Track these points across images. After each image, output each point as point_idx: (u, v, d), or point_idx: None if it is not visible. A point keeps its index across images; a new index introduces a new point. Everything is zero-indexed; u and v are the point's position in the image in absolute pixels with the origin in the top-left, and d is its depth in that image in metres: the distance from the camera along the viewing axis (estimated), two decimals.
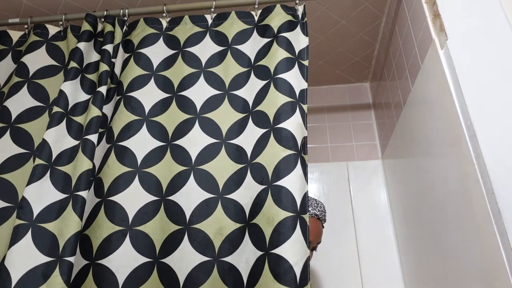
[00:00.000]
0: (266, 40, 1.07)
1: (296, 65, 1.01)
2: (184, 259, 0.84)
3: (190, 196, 0.90)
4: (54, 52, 1.17)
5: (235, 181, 0.91)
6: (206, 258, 0.83)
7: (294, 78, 0.98)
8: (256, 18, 1.14)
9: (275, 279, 0.75)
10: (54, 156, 0.96)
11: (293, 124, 0.91)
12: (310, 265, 1.00)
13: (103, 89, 1.04)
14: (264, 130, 0.93)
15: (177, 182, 0.92)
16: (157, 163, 0.96)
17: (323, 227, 1.06)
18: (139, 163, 0.96)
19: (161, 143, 0.99)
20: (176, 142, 0.98)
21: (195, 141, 0.97)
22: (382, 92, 1.61)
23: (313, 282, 1.43)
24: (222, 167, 0.93)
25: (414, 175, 1.19)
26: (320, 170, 1.67)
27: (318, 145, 1.77)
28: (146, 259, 0.86)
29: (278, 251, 0.77)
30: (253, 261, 0.81)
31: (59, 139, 0.98)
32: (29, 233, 0.85)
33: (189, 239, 0.85)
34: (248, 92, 1.02)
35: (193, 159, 0.95)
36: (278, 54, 1.01)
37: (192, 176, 0.92)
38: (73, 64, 1.08)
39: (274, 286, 0.75)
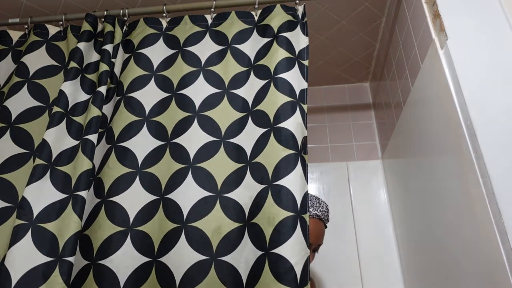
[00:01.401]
0: (266, 40, 1.07)
1: (296, 65, 1.01)
2: (181, 258, 0.83)
3: (187, 194, 0.90)
4: (54, 52, 1.17)
5: (234, 180, 0.91)
6: (203, 257, 0.83)
7: (294, 78, 0.98)
8: (256, 18, 1.14)
9: (276, 279, 0.75)
10: (54, 156, 0.96)
11: (293, 124, 0.91)
12: (310, 265, 0.99)
13: (103, 89, 1.04)
14: (264, 130, 0.93)
15: (175, 180, 0.92)
16: (157, 163, 0.96)
17: (325, 227, 1.04)
18: (139, 163, 0.96)
19: (160, 142, 0.99)
20: (175, 140, 0.98)
21: (194, 139, 0.97)
22: (382, 92, 1.61)
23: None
24: (221, 166, 0.93)
25: (414, 175, 1.19)
26: (320, 170, 1.66)
27: (318, 145, 1.77)
28: (146, 259, 0.86)
29: (278, 250, 0.77)
30: (253, 261, 0.81)
31: (59, 139, 0.98)
32: (29, 233, 0.85)
33: (186, 238, 0.85)
34: (248, 91, 1.02)
35: (192, 157, 0.94)
36: (278, 54, 1.01)
37: (190, 174, 0.92)
38: (73, 64, 1.08)
39: (274, 286, 0.75)
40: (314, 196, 1.05)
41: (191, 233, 0.85)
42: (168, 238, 0.86)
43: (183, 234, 0.85)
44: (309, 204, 1.00)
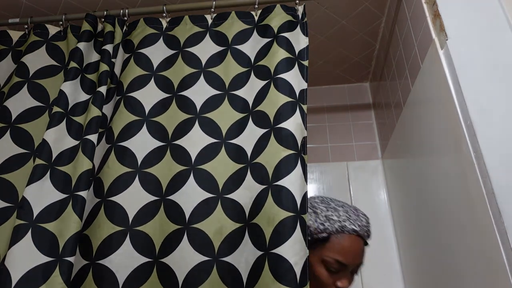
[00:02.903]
0: (266, 40, 1.07)
1: (296, 65, 1.01)
2: (184, 259, 0.84)
3: (189, 196, 0.90)
4: (54, 52, 1.17)
5: (235, 181, 0.91)
6: (205, 258, 0.83)
7: (294, 78, 0.98)
8: (256, 18, 1.14)
9: (275, 278, 0.75)
10: (54, 156, 0.96)
11: (293, 124, 0.91)
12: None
13: (103, 89, 1.04)
14: (264, 130, 0.93)
15: (177, 182, 0.92)
16: (157, 163, 0.96)
17: (366, 244, 0.89)
18: (139, 163, 0.96)
19: (161, 143, 0.99)
20: (176, 142, 0.98)
21: (195, 141, 0.97)
22: (382, 92, 1.61)
23: None
24: (222, 167, 0.93)
25: (414, 175, 1.19)
26: (320, 170, 1.66)
27: (318, 145, 1.77)
28: (146, 259, 0.86)
29: (278, 251, 0.77)
30: (252, 261, 0.81)
31: (59, 139, 0.98)
32: (29, 233, 0.85)
33: (188, 239, 0.85)
34: (248, 92, 1.02)
35: (193, 158, 0.95)
36: (278, 54, 1.01)
37: (192, 176, 0.92)
38: (73, 64, 1.08)
39: (274, 286, 0.75)
40: (352, 207, 0.90)
41: (193, 235, 0.86)
42: (170, 239, 0.87)
43: (185, 236, 0.86)
44: (346, 217, 0.85)
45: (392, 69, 1.40)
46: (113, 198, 0.91)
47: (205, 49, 1.11)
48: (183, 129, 0.99)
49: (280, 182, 0.84)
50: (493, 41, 0.84)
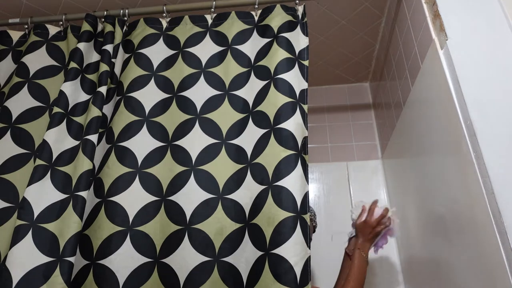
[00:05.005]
0: (266, 40, 1.07)
1: (296, 65, 1.01)
2: (185, 259, 0.84)
3: (190, 197, 0.90)
4: (54, 52, 1.17)
5: (235, 181, 0.91)
6: (206, 258, 0.84)
7: (294, 78, 0.98)
8: (256, 18, 1.14)
9: (275, 279, 0.75)
10: (54, 157, 0.96)
11: (294, 124, 0.91)
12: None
13: (103, 89, 1.04)
14: (264, 130, 0.93)
15: (178, 183, 0.92)
16: (158, 164, 0.97)
17: None
18: (139, 163, 0.96)
19: (161, 144, 0.99)
20: (177, 143, 0.98)
21: (196, 141, 0.97)
22: (382, 92, 1.61)
23: (313, 283, 1.43)
24: (222, 168, 0.93)
25: (414, 175, 1.19)
26: (320, 170, 1.66)
27: (318, 145, 1.77)
28: (146, 259, 0.86)
29: (278, 251, 0.77)
30: (253, 261, 0.81)
31: (59, 139, 0.98)
32: (29, 234, 0.85)
33: (189, 239, 0.85)
34: (248, 92, 1.02)
35: (194, 159, 0.95)
36: (278, 54, 1.01)
37: (192, 177, 0.92)
38: (73, 64, 1.08)
39: (274, 286, 0.75)
40: None
41: (194, 235, 0.86)
42: (171, 239, 0.87)
43: (186, 236, 0.86)
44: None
45: (392, 69, 1.40)
46: (114, 198, 0.91)
47: (205, 49, 1.11)
48: (183, 129, 0.99)
49: (280, 183, 0.84)
50: (493, 41, 0.84)
